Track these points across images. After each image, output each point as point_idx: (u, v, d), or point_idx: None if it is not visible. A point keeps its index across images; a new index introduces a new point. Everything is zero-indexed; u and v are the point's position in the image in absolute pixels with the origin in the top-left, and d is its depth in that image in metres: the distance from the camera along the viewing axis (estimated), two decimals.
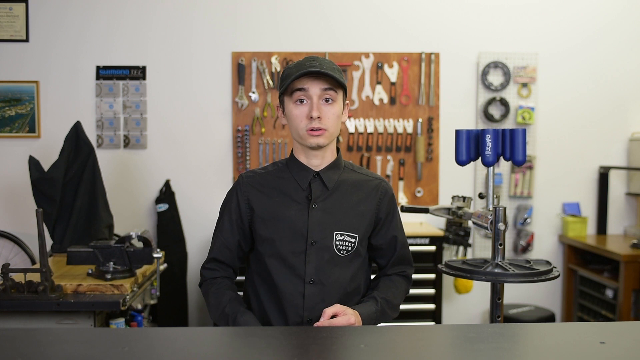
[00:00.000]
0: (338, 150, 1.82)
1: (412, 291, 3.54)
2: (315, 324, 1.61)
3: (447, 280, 3.76)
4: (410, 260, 1.89)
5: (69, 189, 3.01)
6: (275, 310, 1.73)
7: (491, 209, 1.54)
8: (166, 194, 3.82)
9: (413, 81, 3.91)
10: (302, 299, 1.70)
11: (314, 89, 1.67)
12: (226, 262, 1.82)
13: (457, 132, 1.59)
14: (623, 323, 1.32)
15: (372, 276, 1.91)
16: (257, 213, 1.75)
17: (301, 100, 1.69)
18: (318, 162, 1.75)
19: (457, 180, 3.91)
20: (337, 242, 1.72)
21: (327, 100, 1.69)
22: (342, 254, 1.73)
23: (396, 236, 1.84)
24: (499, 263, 1.50)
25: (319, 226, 1.71)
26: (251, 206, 1.76)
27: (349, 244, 1.73)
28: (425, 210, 2.19)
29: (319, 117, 1.66)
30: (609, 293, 3.52)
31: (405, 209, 2.25)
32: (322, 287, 1.70)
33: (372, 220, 1.79)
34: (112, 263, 2.35)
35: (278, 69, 3.85)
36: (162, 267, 2.69)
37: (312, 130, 1.67)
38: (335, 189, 1.76)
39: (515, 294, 3.96)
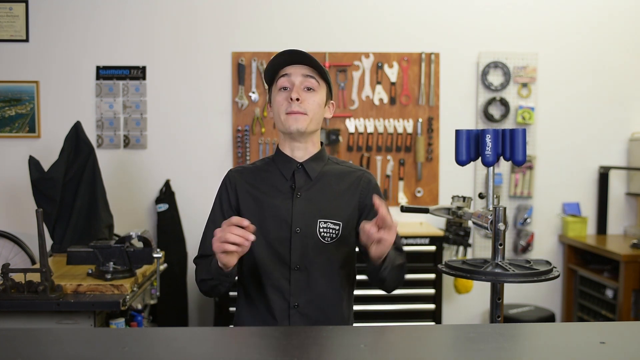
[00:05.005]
0: (322, 143, 1.88)
1: (412, 291, 3.57)
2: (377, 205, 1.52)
3: (447, 280, 3.76)
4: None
5: (69, 189, 3.01)
6: (263, 296, 1.79)
7: (491, 209, 1.54)
8: (166, 194, 3.82)
9: (413, 81, 3.91)
10: (288, 284, 1.75)
11: (296, 75, 1.75)
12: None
13: (457, 132, 1.59)
14: (623, 323, 1.32)
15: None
16: (244, 203, 1.82)
17: (285, 88, 1.76)
18: (301, 153, 1.82)
19: (457, 180, 3.91)
20: (321, 230, 1.77)
21: (308, 89, 1.76)
22: (327, 241, 1.77)
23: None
24: (499, 263, 1.50)
25: (302, 214, 1.77)
26: (238, 197, 1.83)
27: (333, 231, 1.78)
28: (425, 210, 2.19)
29: (297, 99, 1.72)
30: (609, 293, 3.52)
31: (405, 209, 2.25)
32: (307, 273, 1.76)
33: (356, 208, 1.83)
34: (112, 263, 2.35)
35: None
36: (162, 267, 2.69)
37: (290, 113, 1.73)
38: (319, 179, 1.82)
39: (515, 294, 3.96)
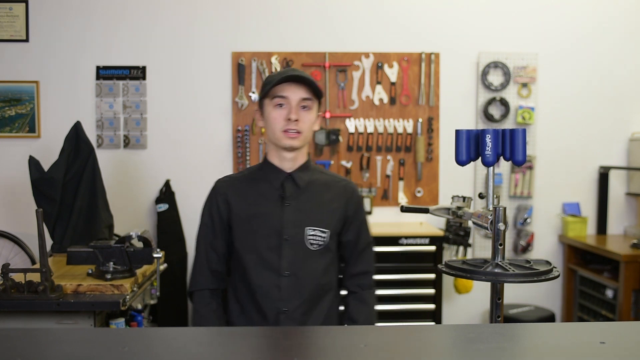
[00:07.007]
0: (308, 153, 1.95)
1: (412, 291, 3.57)
2: None
3: (447, 280, 3.76)
4: (372, 261, 1.97)
5: (69, 189, 3.00)
6: (252, 303, 1.83)
7: (491, 209, 1.54)
8: (166, 194, 3.82)
9: (413, 81, 3.91)
10: (278, 291, 1.80)
11: (294, 95, 1.79)
12: (215, 269, 1.89)
13: (457, 132, 1.58)
14: (623, 323, 1.32)
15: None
16: (234, 212, 1.86)
17: (280, 105, 1.80)
18: (290, 164, 1.86)
19: (457, 180, 3.91)
20: (309, 237, 1.82)
21: (303, 107, 1.81)
22: (314, 248, 1.83)
23: (361, 233, 1.94)
24: (499, 263, 1.50)
25: (292, 222, 1.82)
26: (229, 206, 1.87)
27: (320, 239, 1.83)
28: (425, 210, 2.18)
29: (296, 120, 1.78)
30: (609, 293, 3.52)
31: (405, 209, 2.25)
32: (297, 279, 1.81)
33: (341, 218, 1.89)
34: (112, 263, 2.35)
35: (278, 69, 3.85)
36: (162, 267, 2.69)
37: (287, 131, 1.79)
38: (307, 188, 1.87)
39: (515, 294, 3.96)
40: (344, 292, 1.99)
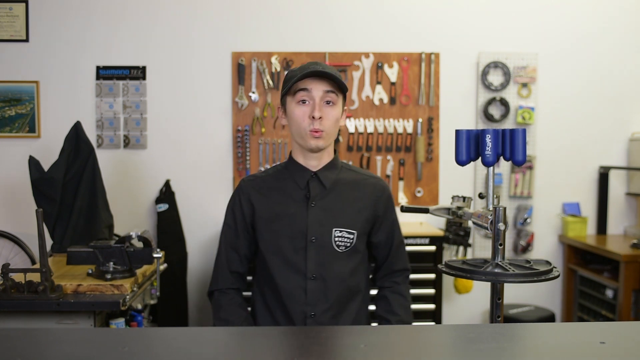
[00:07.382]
0: (335, 150, 1.86)
1: (412, 291, 3.53)
2: None
3: (447, 280, 3.76)
4: (406, 259, 1.92)
5: (69, 189, 3.00)
6: (279, 306, 1.76)
7: (491, 209, 1.53)
8: (166, 194, 3.82)
9: (413, 81, 3.91)
10: (304, 294, 1.74)
11: (317, 90, 1.72)
12: (235, 270, 1.85)
13: (457, 132, 1.58)
14: (623, 323, 1.32)
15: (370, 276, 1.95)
16: (258, 213, 1.80)
17: (303, 101, 1.73)
18: (315, 163, 1.80)
19: (457, 180, 3.91)
20: (336, 239, 1.76)
21: (327, 102, 1.73)
22: (341, 249, 1.77)
23: (393, 232, 1.90)
24: (499, 263, 1.50)
25: (318, 223, 1.76)
26: (253, 206, 1.81)
27: (348, 240, 1.77)
28: (425, 210, 2.18)
29: (320, 118, 1.71)
30: (609, 293, 3.52)
31: (405, 209, 2.25)
32: (324, 282, 1.75)
33: (369, 217, 1.83)
34: (112, 263, 2.35)
35: (278, 69, 3.85)
36: (162, 267, 2.69)
37: (313, 131, 1.72)
38: (333, 187, 1.80)
39: (515, 294, 3.96)
40: (374, 292, 1.94)
